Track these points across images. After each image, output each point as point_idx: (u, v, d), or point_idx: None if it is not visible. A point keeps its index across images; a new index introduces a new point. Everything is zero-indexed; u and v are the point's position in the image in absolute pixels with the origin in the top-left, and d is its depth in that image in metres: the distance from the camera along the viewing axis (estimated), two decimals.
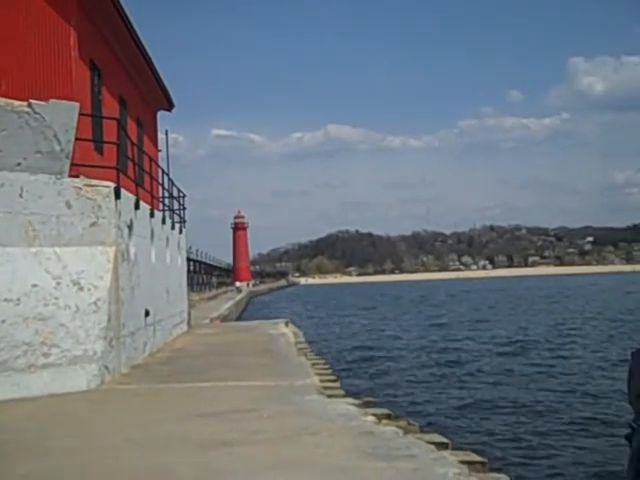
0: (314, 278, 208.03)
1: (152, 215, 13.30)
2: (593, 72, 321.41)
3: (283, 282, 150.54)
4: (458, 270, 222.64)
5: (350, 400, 7.78)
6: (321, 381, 9.07)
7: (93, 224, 9.57)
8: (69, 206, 9.34)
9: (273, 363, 11.16)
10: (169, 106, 20.88)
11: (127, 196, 10.85)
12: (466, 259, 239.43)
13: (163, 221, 15.07)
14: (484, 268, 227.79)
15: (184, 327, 17.89)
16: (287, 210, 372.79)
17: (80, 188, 9.48)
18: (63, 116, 9.31)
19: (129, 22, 13.42)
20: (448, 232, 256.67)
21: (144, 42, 14.97)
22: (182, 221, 19.09)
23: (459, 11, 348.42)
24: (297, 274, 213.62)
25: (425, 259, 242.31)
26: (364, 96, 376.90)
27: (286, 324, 19.60)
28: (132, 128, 15.95)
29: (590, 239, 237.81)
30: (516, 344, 26.46)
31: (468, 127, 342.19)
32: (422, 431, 6.84)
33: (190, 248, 46.56)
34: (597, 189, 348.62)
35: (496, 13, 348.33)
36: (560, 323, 35.24)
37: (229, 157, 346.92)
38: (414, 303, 64.88)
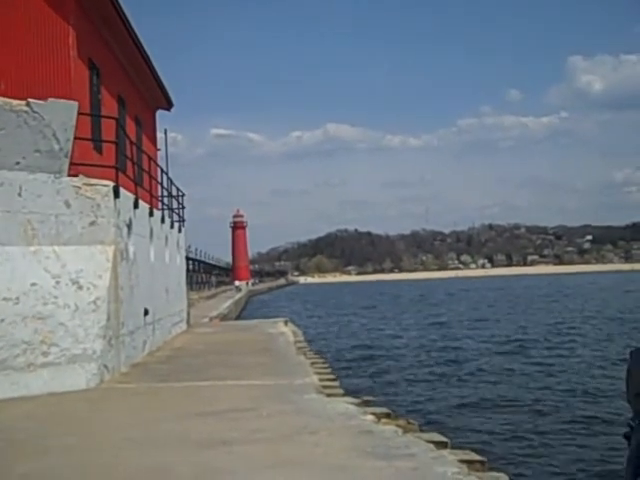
0: (313, 277, 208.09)
1: (151, 214, 13.30)
2: (592, 71, 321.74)
3: (282, 281, 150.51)
4: (457, 269, 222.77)
5: (349, 399, 7.79)
6: (320, 380, 9.08)
7: (92, 223, 9.57)
8: (68, 205, 9.33)
9: (272, 362, 11.16)
10: (168, 105, 20.86)
11: (126, 195, 10.85)
12: (465, 258, 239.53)
13: (162, 220, 15.06)
14: (483, 267, 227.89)
15: (183, 326, 17.89)
16: (286, 209, 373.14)
17: (79, 187, 9.48)
18: (62, 115, 9.31)
19: (128, 21, 13.41)
20: (447, 231, 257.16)
21: (143, 41, 14.97)
22: (181, 220, 19.09)
23: (459, 11, 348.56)
24: (296, 273, 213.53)
25: (424, 258, 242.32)
26: (363, 95, 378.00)
27: (285, 323, 19.61)
28: (131, 127, 15.95)
29: (589, 238, 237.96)
30: (515, 343, 26.49)
31: (467, 126, 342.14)
32: (421, 430, 6.84)
33: (189, 247, 46.68)
34: (596, 188, 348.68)
35: (495, 13, 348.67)
36: (559, 322, 35.26)
37: (228, 156, 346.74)
38: (413, 302, 64.91)
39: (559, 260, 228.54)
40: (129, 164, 12.47)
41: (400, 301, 68.08)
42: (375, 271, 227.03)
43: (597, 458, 10.65)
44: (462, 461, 5.13)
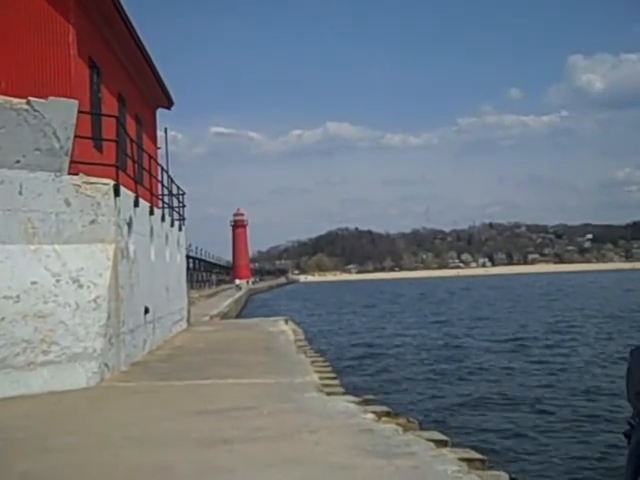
0: (314, 276, 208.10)
1: (151, 213, 13.29)
2: (592, 70, 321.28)
3: (283, 280, 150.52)
4: (457, 268, 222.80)
5: (349, 398, 7.79)
6: (321, 379, 9.08)
7: (92, 221, 9.57)
8: (68, 203, 9.33)
9: (273, 361, 11.16)
10: (168, 104, 20.86)
11: (126, 194, 10.84)
12: (465, 257, 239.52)
13: (162, 219, 15.06)
14: (484, 266, 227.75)
15: (184, 324, 17.89)
16: (287, 207, 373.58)
17: (79, 185, 9.47)
18: (62, 113, 9.30)
19: (128, 20, 13.41)
20: (447, 230, 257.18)
21: (143, 40, 14.97)
22: (181, 219, 19.08)
23: (459, 11, 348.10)
24: (297, 272, 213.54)
25: (425, 257, 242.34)
26: (363, 94, 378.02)
27: (286, 322, 19.61)
28: (131, 126, 15.94)
29: (589, 237, 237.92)
30: (516, 341, 26.49)
31: (467, 125, 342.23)
32: (422, 428, 6.84)
33: (190, 246, 46.63)
34: (596, 187, 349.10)
35: (496, 12, 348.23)
36: (560, 320, 35.26)
37: (228, 155, 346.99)
38: (414, 300, 64.91)
39: (559, 259, 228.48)
40: (129, 162, 12.47)
41: (400, 300, 68.07)
42: (376, 270, 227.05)
43: (597, 456, 10.65)
44: (462, 459, 5.13)
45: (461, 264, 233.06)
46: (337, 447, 5.44)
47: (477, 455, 5.49)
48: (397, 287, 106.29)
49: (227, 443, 5.63)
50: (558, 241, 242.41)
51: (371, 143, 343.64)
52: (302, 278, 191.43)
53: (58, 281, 8.97)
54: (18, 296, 8.56)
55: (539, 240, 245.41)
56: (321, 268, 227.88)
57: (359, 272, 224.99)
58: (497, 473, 5.21)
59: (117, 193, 9.92)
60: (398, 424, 6.39)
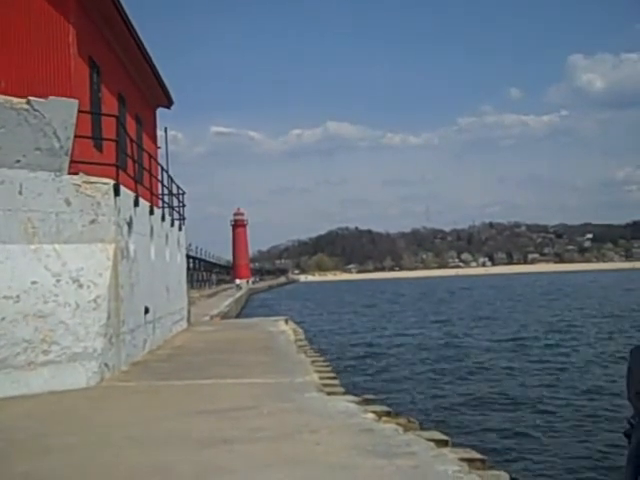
0: (314, 275, 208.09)
1: (151, 212, 13.29)
2: (592, 69, 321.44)
3: (283, 279, 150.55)
4: (458, 267, 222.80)
5: (350, 397, 7.79)
6: (321, 378, 9.08)
7: (92, 221, 9.56)
8: (68, 203, 9.33)
9: (273, 360, 11.16)
10: (168, 103, 20.86)
11: (126, 193, 10.84)
12: (466, 256, 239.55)
13: (162, 218, 15.05)
14: (484, 265, 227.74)
15: (184, 324, 17.89)
16: (287, 207, 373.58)
17: (79, 185, 9.47)
18: (62, 113, 9.30)
19: (128, 20, 13.40)
20: (447, 229, 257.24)
21: (143, 39, 14.97)
22: (182, 218, 19.08)
23: (459, 10, 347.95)
24: (297, 271, 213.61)
25: (425, 256, 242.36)
26: (364, 93, 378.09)
27: (286, 321, 19.61)
28: (131, 125, 15.94)
29: (589, 236, 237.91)
30: (516, 341, 26.51)
31: (468, 124, 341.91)
32: (422, 428, 6.84)
33: (190, 245, 46.65)
34: (596, 186, 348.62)
35: (496, 12, 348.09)
36: (560, 320, 35.27)
37: (228, 154, 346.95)
38: (414, 300, 64.92)
39: (560, 258, 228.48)
40: (129, 162, 12.46)
41: (401, 299, 68.09)
42: (376, 269, 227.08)
43: (598, 456, 10.66)
44: (463, 459, 5.13)
45: (461, 264, 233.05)
46: (337, 447, 5.43)
47: (478, 455, 5.48)
48: (397, 287, 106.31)
49: (227, 443, 5.63)
50: (558, 241, 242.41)
51: (371, 143, 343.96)
52: (302, 278, 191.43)
53: (58, 281, 8.97)
54: (18, 296, 8.56)
55: (539, 240, 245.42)
56: (321, 268, 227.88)
57: (359, 272, 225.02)
58: (498, 473, 5.20)
59: (117, 193, 9.92)
60: (398, 424, 6.38)
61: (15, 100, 9.07)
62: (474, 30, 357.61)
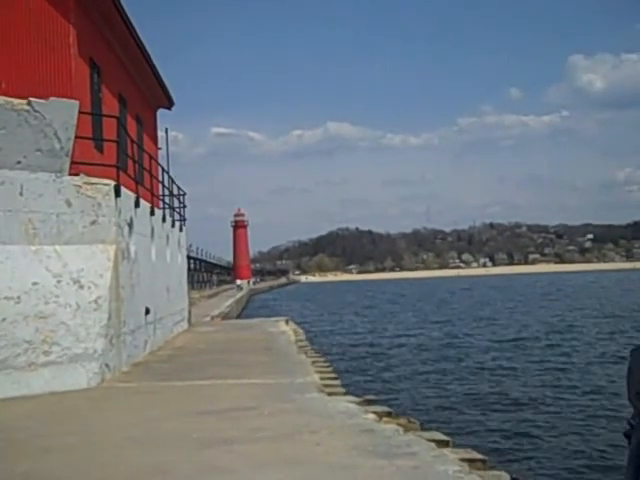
0: (314, 276, 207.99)
1: (152, 213, 13.30)
2: (593, 69, 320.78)
3: (283, 280, 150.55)
4: (458, 268, 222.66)
5: (350, 398, 7.79)
6: (321, 379, 9.08)
7: (93, 222, 9.57)
8: (69, 204, 9.33)
9: (273, 361, 11.16)
10: (169, 104, 20.86)
11: (127, 194, 10.84)
12: (466, 257, 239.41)
13: (163, 219, 15.06)
14: (484, 266, 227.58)
15: (184, 325, 17.90)
16: (287, 208, 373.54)
17: (80, 186, 9.48)
18: (63, 114, 9.30)
19: (128, 20, 13.41)
20: (448, 230, 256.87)
21: (143, 40, 14.97)
22: (182, 219, 19.09)
23: (459, 10, 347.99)
24: (298, 272, 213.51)
25: (425, 257, 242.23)
26: (364, 94, 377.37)
27: (286, 322, 19.62)
28: (132, 126, 15.94)
29: (590, 236, 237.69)
30: (517, 341, 26.51)
31: (468, 125, 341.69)
32: (422, 429, 6.84)
33: (190, 246, 46.62)
34: (597, 186, 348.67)
35: (496, 12, 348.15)
36: (560, 320, 35.26)
37: (229, 155, 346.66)
38: (415, 300, 64.90)
39: (560, 259, 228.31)
40: (130, 163, 12.47)
41: (401, 300, 68.08)
42: (376, 270, 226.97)
43: (598, 456, 10.66)
44: (463, 460, 5.13)
45: (462, 264, 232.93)
46: (338, 447, 5.44)
47: (478, 455, 5.48)
48: (398, 287, 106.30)
49: (227, 443, 5.63)
50: (559, 241, 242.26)
51: (371, 143, 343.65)
52: (303, 278, 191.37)
53: (59, 282, 8.98)
54: (19, 297, 8.56)
55: (540, 240, 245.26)
56: (322, 268, 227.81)
57: (360, 272, 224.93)
58: (498, 473, 5.21)
59: (118, 194, 9.93)
60: (399, 424, 6.39)
61: (16, 101, 9.08)
62: (474, 30, 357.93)
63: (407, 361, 22.23)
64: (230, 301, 41.64)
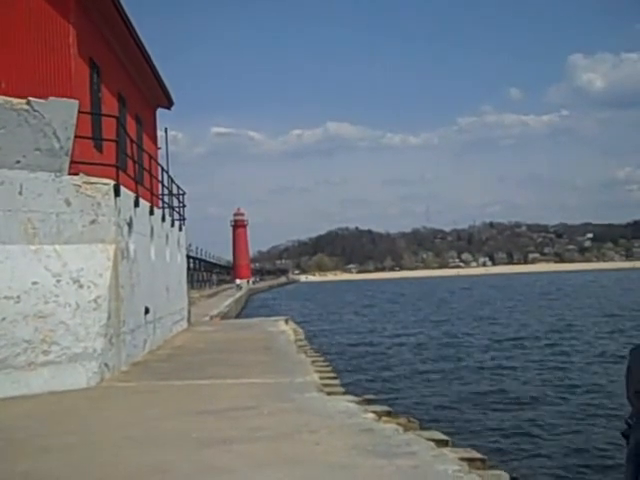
0: (314, 275, 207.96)
1: (152, 213, 13.30)
2: (592, 69, 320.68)
3: (283, 279, 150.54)
4: (458, 267, 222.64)
5: (350, 397, 7.79)
6: (321, 378, 9.08)
7: (93, 222, 9.57)
8: (69, 204, 9.33)
9: (273, 360, 11.16)
10: (168, 103, 20.85)
11: (127, 194, 10.84)
12: (466, 256, 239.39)
13: (163, 219, 15.06)
14: (484, 265, 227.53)
15: (184, 324, 17.90)
16: (287, 207, 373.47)
17: (79, 186, 9.48)
18: (62, 114, 9.30)
19: (128, 20, 13.40)
20: (448, 229, 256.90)
21: (143, 40, 14.96)
22: (182, 219, 19.09)
23: (459, 10, 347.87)
24: (297, 271, 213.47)
25: (425, 256, 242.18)
26: (364, 94, 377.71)
27: (286, 321, 19.62)
28: (131, 126, 15.94)
29: (590, 236, 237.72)
30: (516, 340, 26.51)
31: (467, 124, 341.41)
32: (422, 428, 6.84)
33: (190, 246, 46.57)
34: (597, 186, 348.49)
35: (496, 12, 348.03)
36: (560, 319, 35.26)
37: (228, 154, 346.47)
38: (414, 300, 64.91)
39: (560, 258, 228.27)
40: (130, 162, 12.47)
41: (401, 299, 68.09)
42: (376, 269, 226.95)
43: (598, 455, 10.66)
44: (463, 459, 5.13)
45: (461, 263, 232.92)
46: (337, 447, 5.44)
47: (478, 454, 5.48)
48: (398, 287, 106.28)
49: (227, 443, 5.63)
50: (558, 240, 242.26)
51: (371, 143, 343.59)
52: (303, 278, 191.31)
53: (58, 281, 8.98)
54: (19, 296, 8.56)
55: (539, 239, 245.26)
56: (321, 268, 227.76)
57: (359, 272, 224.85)
58: (498, 472, 5.21)
59: (117, 193, 9.93)
60: (398, 424, 6.39)
61: (15, 101, 9.08)
62: (474, 30, 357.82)
63: (406, 360, 22.24)
64: (229, 300, 41.63)
